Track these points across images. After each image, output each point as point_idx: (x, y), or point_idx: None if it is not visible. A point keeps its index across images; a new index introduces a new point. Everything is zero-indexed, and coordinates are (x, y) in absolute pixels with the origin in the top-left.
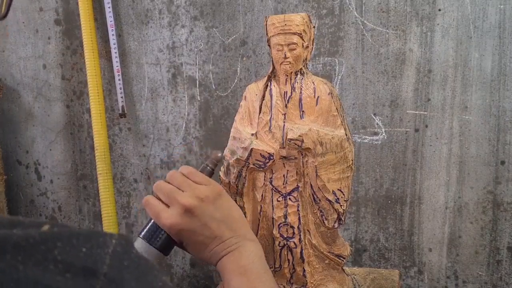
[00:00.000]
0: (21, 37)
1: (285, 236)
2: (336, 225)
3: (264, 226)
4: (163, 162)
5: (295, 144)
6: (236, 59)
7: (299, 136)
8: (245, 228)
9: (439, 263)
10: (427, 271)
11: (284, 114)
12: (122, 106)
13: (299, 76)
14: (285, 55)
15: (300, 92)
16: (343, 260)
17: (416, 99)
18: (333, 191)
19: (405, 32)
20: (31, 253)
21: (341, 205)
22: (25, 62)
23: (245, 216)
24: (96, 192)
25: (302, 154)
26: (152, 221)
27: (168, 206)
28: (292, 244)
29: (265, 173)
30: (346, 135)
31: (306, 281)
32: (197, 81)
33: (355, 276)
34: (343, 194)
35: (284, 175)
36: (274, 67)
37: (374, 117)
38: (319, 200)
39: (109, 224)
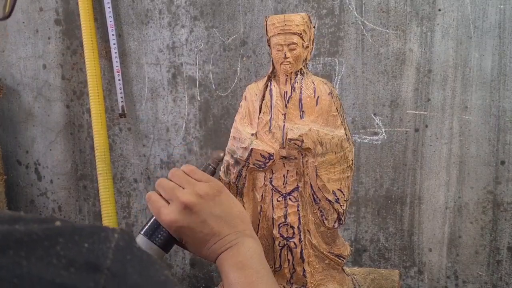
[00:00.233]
0: (21, 37)
1: (285, 236)
2: (336, 225)
3: (264, 226)
4: (163, 162)
5: (295, 144)
6: (236, 59)
7: (299, 136)
8: (244, 224)
9: (439, 263)
10: (427, 271)
11: (284, 114)
12: (122, 106)
13: (299, 76)
14: (285, 55)
15: (300, 92)
16: (343, 260)
17: (416, 99)
18: (333, 191)
19: (405, 32)
20: (34, 249)
21: (341, 205)
22: (25, 62)
23: None
24: (96, 192)
25: (302, 154)
26: (154, 218)
27: (169, 203)
28: (292, 244)
29: (265, 173)
30: (346, 135)
31: (306, 281)
32: (197, 81)
33: (355, 276)
34: (343, 194)
35: (284, 175)
36: (274, 67)
37: (374, 117)
38: (319, 200)
39: (109, 224)
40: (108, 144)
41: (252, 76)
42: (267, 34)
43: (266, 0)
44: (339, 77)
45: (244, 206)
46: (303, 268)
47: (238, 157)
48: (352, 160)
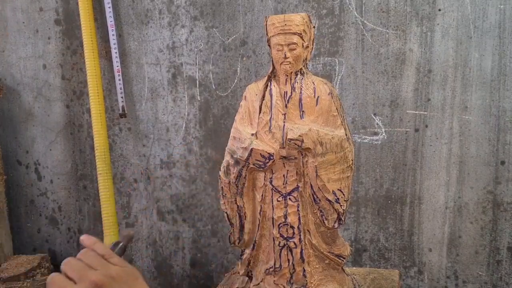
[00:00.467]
0: (21, 37)
1: (285, 236)
2: (336, 225)
3: (264, 226)
4: (163, 162)
5: (295, 144)
6: (236, 59)
7: (299, 136)
8: None
9: (439, 263)
10: (427, 271)
11: (284, 114)
12: (122, 106)
13: (299, 76)
14: (285, 55)
15: (300, 92)
16: (343, 260)
17: (416, 99)
18: (333, 191)
19: (405, 32)
20: None
21: (341, 205)
22: (25, 62)
23: (245, 216)
24: (96, 192)
25: (302, 154)
26: None
27: (76, 283)
28: (292, 244)
29: (265, 173)
30: (346, 135)
31: (306, 281)
32: (197, 81)
33: (355, 276)
34: (343, 194)
35: (284, 175)
36: (274, 67)
37: (374, 117)
38: (319, 200)
39: (109, 224)
40: (108, 144)
41: (252, 76)
42: (267, 34)
43: (266, 0)
44: (339, 77)
45: (244, 206)
46: (303, 268)
47: (238, 157)
48: (352, 160)
